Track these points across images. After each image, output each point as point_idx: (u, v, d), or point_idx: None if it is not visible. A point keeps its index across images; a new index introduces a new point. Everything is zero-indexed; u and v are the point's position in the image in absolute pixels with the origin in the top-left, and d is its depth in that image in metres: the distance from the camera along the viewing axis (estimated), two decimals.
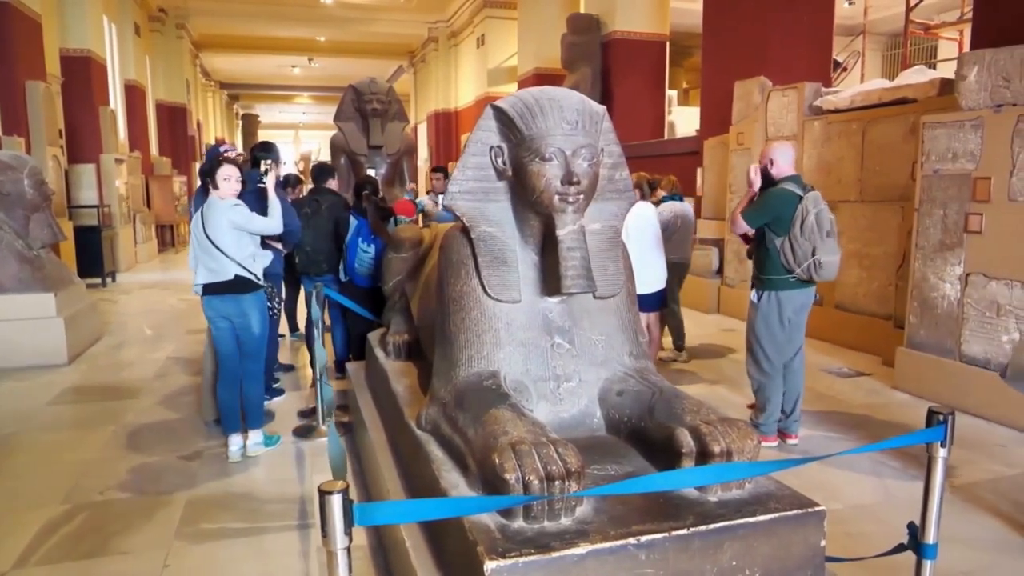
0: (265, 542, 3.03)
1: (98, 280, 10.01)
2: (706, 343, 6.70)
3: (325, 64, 23.97)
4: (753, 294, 4.02)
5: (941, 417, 1.96)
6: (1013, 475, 3.66)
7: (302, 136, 39.40)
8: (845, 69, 11.51)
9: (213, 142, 24.79)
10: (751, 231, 3.96)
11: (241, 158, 4.55)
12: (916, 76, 6.22)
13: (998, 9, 5.18)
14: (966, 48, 6.63)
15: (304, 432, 4.26)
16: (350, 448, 3.98)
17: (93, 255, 9.91)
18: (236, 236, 3.74)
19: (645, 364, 2.51)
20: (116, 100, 13.57)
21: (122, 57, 14.28)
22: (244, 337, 3.88)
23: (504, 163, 2.44)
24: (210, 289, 3.76)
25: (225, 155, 3.96)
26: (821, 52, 8.29)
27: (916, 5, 9.84)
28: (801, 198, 3.78)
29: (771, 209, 3.83)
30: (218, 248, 3.69)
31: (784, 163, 3.92)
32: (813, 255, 3.74)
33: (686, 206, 6.16)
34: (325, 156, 8.26)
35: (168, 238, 15.79)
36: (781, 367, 4.00)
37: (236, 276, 3.75)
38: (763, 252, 3.93)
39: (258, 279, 3.87)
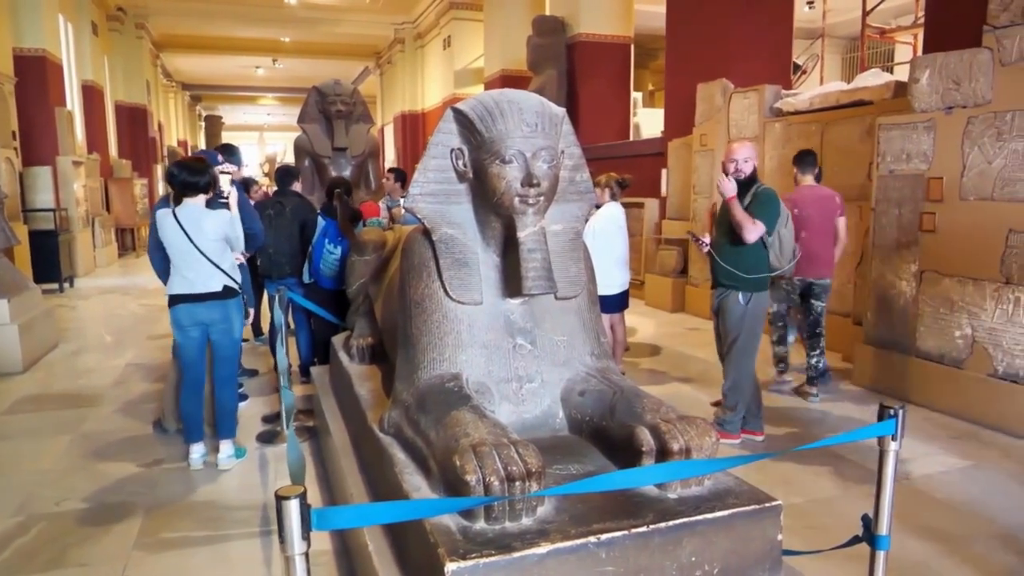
0: (227, 550, 2.99)
1: (55, 285, 9.77)
2: (671, 342, 6.77)
3: (290, 65, 23.71)
4: (740, 296, 3.91)
5: (892, 411, 2.01)
6: (966, 467, 3.77)
7: (267, 138, 38.90)
8: (805, 72, 11.74)
9: (175, 144, 24.38)
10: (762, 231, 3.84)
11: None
12: (872, 79, 6.36)
13: (948, 14, 5.33)
14: (920, 52, 6.81)
15: (268, 437, 4.22)
16: (315, 453, 3.95)
17: (49, 260, 9.66)
18: (223, 246, 3.72)
19: (607, 364, 2.54)
20: (73, 101, 13.26)
21: (79, 57, 13.95)
22: (224, 342, 3.82)
23: (465, 165, 2.44)
24: (189, 298, 3.68)
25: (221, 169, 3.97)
26: (781, 55, 8.44)
27: (872, 10, 10.08)
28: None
29: (777, 208, 3.87)
30: (209, 259, 3.64)
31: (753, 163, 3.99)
32: (795, 254, 3.90)
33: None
34: (290, 158, 8.19)
35: (129, 242, 15.47)
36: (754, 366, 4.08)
37: (224, 287, 3.72)
38: (749, 252, 3.87)
39: (240, 285, 3.85)
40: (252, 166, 31.88)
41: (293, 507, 1.44)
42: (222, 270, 3.71)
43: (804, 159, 5.05)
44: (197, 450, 3.83)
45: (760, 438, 4.13)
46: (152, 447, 4.12)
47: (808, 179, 5.03)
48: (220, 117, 35.15)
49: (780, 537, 2.03)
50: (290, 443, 2.02)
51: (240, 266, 4.08)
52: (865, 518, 2.12)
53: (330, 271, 4.82)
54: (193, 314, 3.71)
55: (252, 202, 5.04)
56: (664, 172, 8.95)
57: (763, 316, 3.99)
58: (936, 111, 4.67)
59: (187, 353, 3.81)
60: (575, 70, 11.52)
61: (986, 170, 4.37)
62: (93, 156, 13.40)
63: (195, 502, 3.43)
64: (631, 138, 11.82)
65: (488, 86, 13.98)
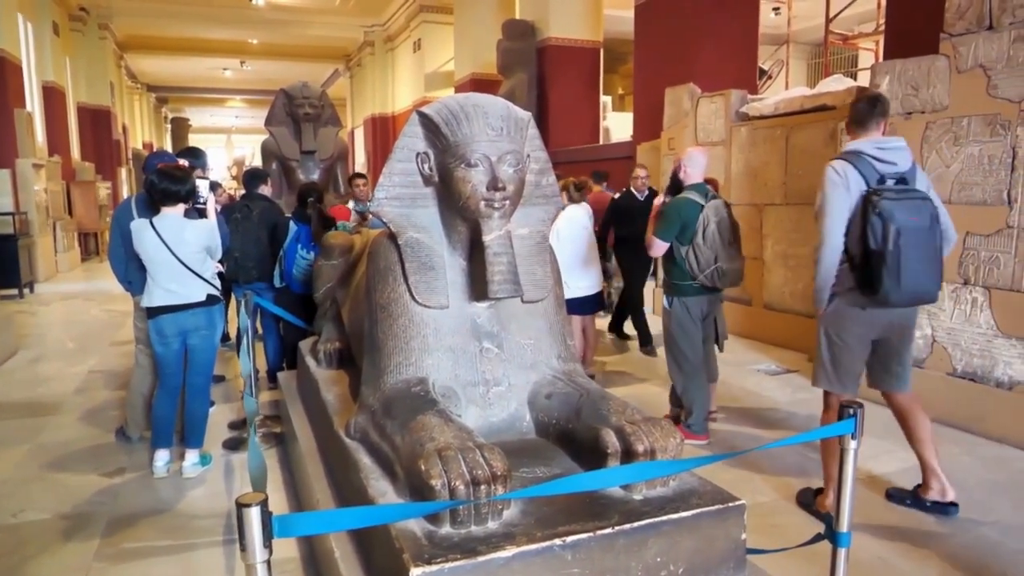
0: (191, 559, 2.94)
1: (14, 291, 9.54)
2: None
3: (258, 67, 23.47)
4: (665, 300, 4.13)
5: (851, 411, 2.05)
6: None
7: (235, 141, 38.42)
8: (770, 77, 11.92)
9: (141, 146, 23.94)
10: (666, 246, 3.99)
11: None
12: (834, 84, 6.49)
13: (907, 22, 5.46)
14: (881, 58, 6.96)
15: (234, 444, 4.15)
16: (282, 459, 3.91)
17: (8, 265, 9.42)
18: (204, 256, 3.66)
19: (573, 367, 2.55)
20: (33, 102, 12.97)
21: (39, 57, 13.66)
22: (203, 346, 3.76)
23: (430, 169, 2.44)
24: (174, 308, 3.61)
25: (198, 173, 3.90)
26: (747, 60, 8.56)
27: (835, 16, 10.27)
28: (703, 207, 3.90)
29: (676, 219, 3.92)
30: (191, 270, 3.58)
31: (693, 171, 4.06)
32: (715, 263, 3.87)
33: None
34: (259, 161, 8.12)
35: (92, 246, 15.16)
36: (701, 367, 4.11)
37: (208, 295, 3.67)
38: (671, 260, 4.04)
39: (220, 292, 3.81)
40: (220, 169, 31.45)
41: (254, 515, 1.42)
42: (204, 279, 3.65)
43: (596, 174, 7.84)
44: (162, 457, 3.75)
45: (703, 442, 4.14)
46: (114, 455, 4.04)
47: (599, 187, 7.54)
48: (187, 119, 34.62)
49: (744, 536, 2.05)
50: (251, 450, 2.00)
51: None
52: (827, 516, 2.16)
53: (302, 276, 4.78)
54: (179, 323, 3.64)
55: (218, 206, 4.97)
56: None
57: (685, 321, 4.04)
58: (896, 116, 4.77)
59: (167, 363, 3.73)
60: (545, 74, 11.57)
61: (944, 174, 4.48)
62: (54, 159, 13.11)
63: (158, 511, 3.37)
64: (601, 141, 11.90)
65: (458, 89, 13.98)
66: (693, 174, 4.04)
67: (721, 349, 4.37)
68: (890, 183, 2.98)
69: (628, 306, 6.65)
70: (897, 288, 2.87)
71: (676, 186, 4.10)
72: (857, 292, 3.04)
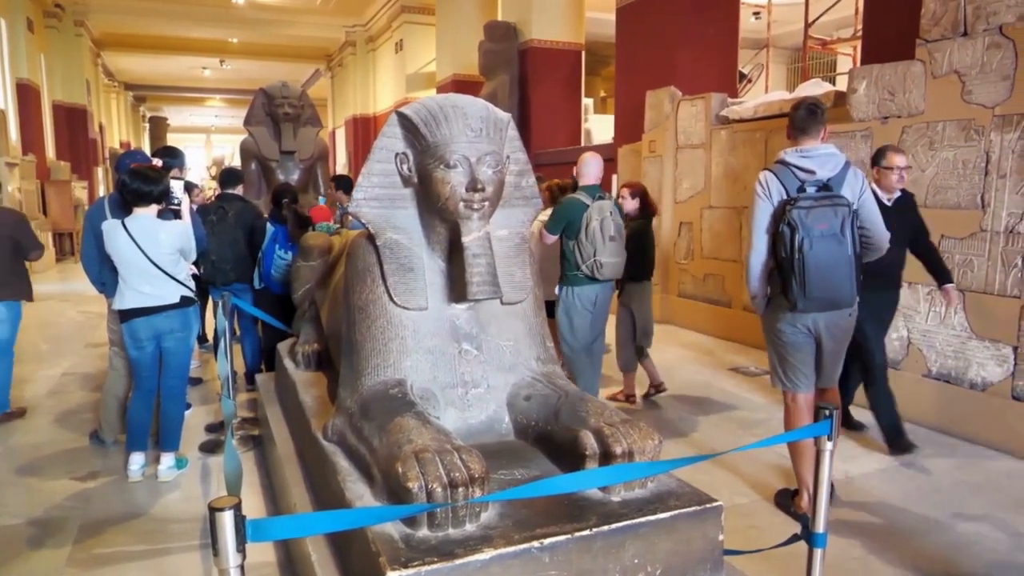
0: (166, 564, 2.90)
1: None
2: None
3: (238, 66, 23.26)
4: (557, 289, 4.39)
5: (827, 412, 2.07)
6: (902, 465, 3.90)
7: (214, 140, 38.06)
8: (750, 80, 12.01)
9: (118, 146, 23.63)
10: (553, 238, 4.27)
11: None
12: (813, 88, 6.54)
13: (884, 28, 5.54)
14: (859, 63, 7.04)
15: (211, 447, 4.10)
16: (260, 462, 3.86)
17: None
18: (177, 258, 3.61)
19: (552, 368, 2.55)
20: (6, 100, 12.77)
21: (13, 55, 13.44)
22: (178, 349, 3.70)
23: (409, 170, 2.43)
24: (147, 311, 3.55)
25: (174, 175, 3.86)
26: (727, 64, 8.62)
27: (814, 22, 10.39)
28: (588, 206, 4.13)
29: (562, 216, 4.20)
30: (165, 272, 3.52)
31: (587, 174, 4.30)
32: (595, 256, 4.12)
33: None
34: (238, 161, 8.02)
35: (67, 246, 14.93)
36: (583, 349, 4.34)
37: (182, 297, 3.62)
38: (562, 253, 4.31)
39: (195, 293, 3.76)
40: (199, 169, 31.13)
41: (227, 519, 1.40)
42: (178, 281, 3.60)
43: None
44: (137, 460, 3.70)
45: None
46: (88, 459, 3.98)
47: None
48: (165, 118, 34.21)
49: (721, 537, 2.06)
50: (227, 453, 1.97)
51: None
52: (803, 517, 2.17)
53: (281, 276, 4.74)
54: (153, 326, 3.59)
55: (194, 207, 4.92)
56: (614, 178, 9.04)
57: (572, 309, 4.27)
58: (873, 120, 4.83)
59: (142, 366, 3.68)
60: (527, 76, 11.58)
61: (919, 178, 4.54)
62: (28, 157, 12.90)
63: (133, 515, 3.32)
64: (582, 143, 11.92)
65: (440, 90, 13.94)
66: (587, 176, 4.30)
67: (647, 344, 4.92)
68: (811, 190, 3.03)
69: (861, 365, 4.07)
70: (803, 295, 2.95)
71: (573, 187, 4.42)
72: (782, 295, 3.11)
